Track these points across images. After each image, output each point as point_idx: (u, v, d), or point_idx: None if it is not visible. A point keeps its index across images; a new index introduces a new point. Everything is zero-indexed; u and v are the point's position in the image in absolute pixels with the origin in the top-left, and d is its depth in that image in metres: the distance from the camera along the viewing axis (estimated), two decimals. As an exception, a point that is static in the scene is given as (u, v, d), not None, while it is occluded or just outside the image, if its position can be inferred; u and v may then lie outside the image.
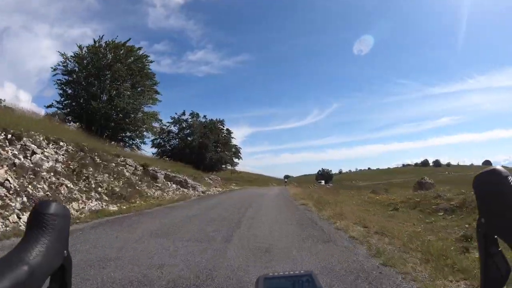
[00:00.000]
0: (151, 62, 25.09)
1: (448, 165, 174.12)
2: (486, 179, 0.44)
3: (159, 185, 12.96)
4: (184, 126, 38.56)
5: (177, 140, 38.34)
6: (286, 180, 68.11)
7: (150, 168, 13.60)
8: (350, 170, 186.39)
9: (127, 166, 11.70)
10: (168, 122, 37.89)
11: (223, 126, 41.96)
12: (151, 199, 10.26)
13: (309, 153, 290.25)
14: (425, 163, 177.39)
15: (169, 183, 14.26)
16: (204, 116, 40.84)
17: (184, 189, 14.69)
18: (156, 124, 25.81)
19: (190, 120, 38.99)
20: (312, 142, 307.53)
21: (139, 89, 23.85)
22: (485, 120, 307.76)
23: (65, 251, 0.43)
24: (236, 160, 43.19)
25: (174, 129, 38.45)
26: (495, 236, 0.44)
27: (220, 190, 21.62)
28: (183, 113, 38.91)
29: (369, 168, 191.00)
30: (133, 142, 24.96)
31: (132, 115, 22.81)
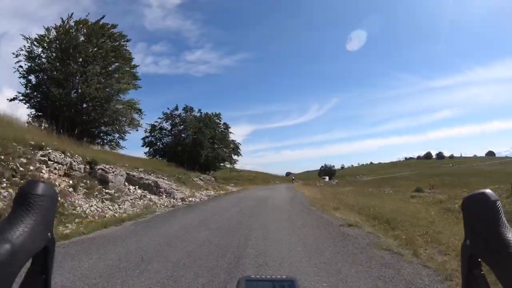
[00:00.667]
0: (128, 41, 20.67)
1: (451, 157, 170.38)
2: (475, 202, 0.44)
3: (111, 191, 8.65)
4: (177, 121, 34.18)
5: (170, 137, 34.00)
6: (293, 177, 65.58)
7: (98, 167, 9.17)
8: (352, 165, 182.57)
9: (49, 163, 7.41)
10: (160, 118, 33.61)
11: (220, 120, 37.62)
12: (77, 218, 5.95)
13: (310, 149, 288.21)
14: (428, 155, 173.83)
15: (131, 188, 9.92)
16: (199, 110, 36.52)
17: (153, 196, 10.12)
18: (136, 116, 21.21)
19: (183, 114, 34.64)
20: (312, 138, 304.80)
21: (116, 74, 19.58)
22: (485, 112, 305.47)
23: (49, 233, 0.42)
24: (235, 157, 38.77)
25: (167, 125, 34.09)
26: (479, 259, 0.44)
27: (212, 193, 16.78)
28: (176, 108, 34.55)
29: (371, 163, 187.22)
30: (111, 138, 20.73)
31: (106, 105, 18.47)
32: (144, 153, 32.20)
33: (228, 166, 38.50)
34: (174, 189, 11.07)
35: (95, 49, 19.32)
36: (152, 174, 12.20)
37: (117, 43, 20.49)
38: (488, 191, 0.44)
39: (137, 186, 10.01)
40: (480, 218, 0.43)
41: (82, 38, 19.62)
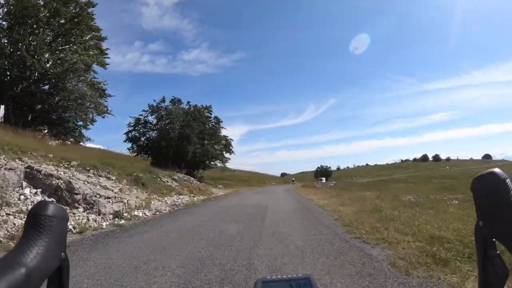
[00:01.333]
0: (94, 5, 16.46)
1: (448, 159, 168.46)
2: (485, 182, 0.44)
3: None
4: (163, 114, 30.11)
5: (155, 132, 29.92)
6: (293, 179, 63.15)
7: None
8: (348, 167, 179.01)
9: None
10: (145, 111, 29.57)
11: (211, 114, 33.63)
12: None
13: (306, 150, 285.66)
14: (424, 158, 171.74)
15: (28, 193, 5.87)
16: (188, 103, 32.53)
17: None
18: (102, 101, 16.93)
19: (170, 107, 30.58)
20: (308, 138, 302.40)
21: (74, 47, 15.44)
22: (480, 115, 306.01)
23: (62, 253, 0.43)
24: (227, 154, 34.77)
25: (152, 119, 30.00)
26: (493, 239, 0.44)
27: (185, 201, 12.40)
28: (163, 100, 30.49)
29: (367, 164, 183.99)
30: (73, 126, 16.57)
31: (60, 83, 14.32)
32: (128, 149, 28.28)
33: (219, 164, 34.47)
34: (110, 196, 6.58)
35: (52, 13, 15.27)
36: (91, 171, 8.25)
37: (79, 9, 16.32)
38: (497, 170, 0.44)
39: (40, 190, 6.01)
40: (492, 198, 0.43)
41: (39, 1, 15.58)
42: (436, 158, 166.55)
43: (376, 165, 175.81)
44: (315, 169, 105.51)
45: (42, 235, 0.39)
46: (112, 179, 8.68)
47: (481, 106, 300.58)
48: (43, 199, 5.54)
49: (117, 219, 6.21)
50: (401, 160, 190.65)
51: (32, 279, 0.35)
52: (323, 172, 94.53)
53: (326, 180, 66.60)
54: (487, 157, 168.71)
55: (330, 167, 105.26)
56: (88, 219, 5.73)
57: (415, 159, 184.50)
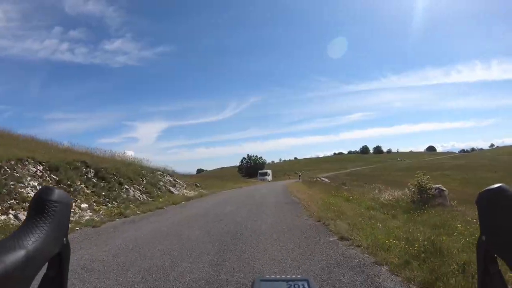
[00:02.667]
0: None
1: (389, 151, 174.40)
2: (491, 196, 0.43)
3: None
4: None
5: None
6: (300, 174, 56.61)
7: None
8: (273, 161, 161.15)
9: None
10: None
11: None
12: None
13: (225, 147, 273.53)
14: (365, 150, 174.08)
15: None
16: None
17: None
18: None
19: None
20: (228, 136, 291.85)
21: None
22: (395, 116, 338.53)
23: (64, 239, 0.43)
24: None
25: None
26: (495, 255, 0.43)
27: None
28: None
29: (295, 158, 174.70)
30: None
31: None
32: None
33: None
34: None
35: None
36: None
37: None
38: (503, 185, 0.43)
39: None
40: (496, 213, 0.42)
41: None
42: (378, 150, 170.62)
43: (305, 158, 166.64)
44: (233, 165, 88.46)
45: (45, 220, 0.39)
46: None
47: (396, 108, 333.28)
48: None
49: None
50: (334, 153, 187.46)
51: (31, 262, 0.35)
52: (252, 167, 76.01)
53: (265, 175, 58.21)
54: (431, 148, 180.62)
55: (264, 160, 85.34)
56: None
57: (350, 152, 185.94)
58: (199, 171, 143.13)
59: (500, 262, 0.43)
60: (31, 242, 0.36)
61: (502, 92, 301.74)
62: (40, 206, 0.40)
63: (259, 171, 64.16)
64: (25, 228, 0.38)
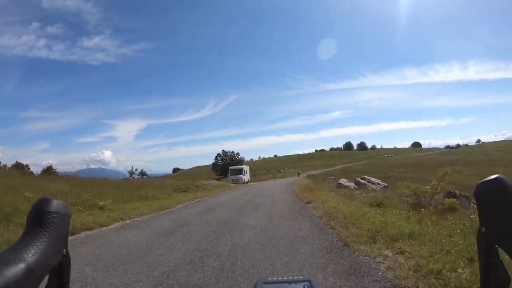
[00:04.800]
0: None
1: (373, 148, 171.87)
2: (489, 187, 0.43)
3: None
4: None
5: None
6: (299, 172, 50.60)
7: None
8: (252, 159, 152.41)
9: None
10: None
11: None
12: None
13: (204, 145, 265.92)
14: (348, 147, 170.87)
15: None
16: None
17: None
18: None
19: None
20: (208, 134, 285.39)
21: None
22: (373, 115, 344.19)
23: (64, 250, 0.43)
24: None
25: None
26: (496, 246, 0.43)
27: None
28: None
29: (275, 156, 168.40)
30: None
31: None
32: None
33: None
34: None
35: None
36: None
37: None
38: (501, 176, 0.43)
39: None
40: (495, 204, 0.42)
41: None
42: (362, 146, 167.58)
43: (285, 155, 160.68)
44: (210, 163, 76.45)
45: (44, 231, 0.39)
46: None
47: (374, 106, 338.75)
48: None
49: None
50: (316, 150, 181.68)
51: (32, 275, 0.35)
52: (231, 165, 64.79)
53: (238, 173, 39.82)
54: (416, 144, 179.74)
55: (241, 157, 72.24)
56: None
57: (332, 149, 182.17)
58: (175, 170, 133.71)
59: (501, 253, 0.43)
60: (31, 254, 0.36)
61: (478, 92, 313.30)
62: (38, 218, 0.40)
63: (230, 167, 44.55)
64: (25, 240, 0.37)
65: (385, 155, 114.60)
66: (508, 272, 0.43)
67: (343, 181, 20.19)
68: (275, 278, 0.58)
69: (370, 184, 18.44)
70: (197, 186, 20.85)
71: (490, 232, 0.43)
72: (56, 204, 0.42)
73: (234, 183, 34.57)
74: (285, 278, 0.58)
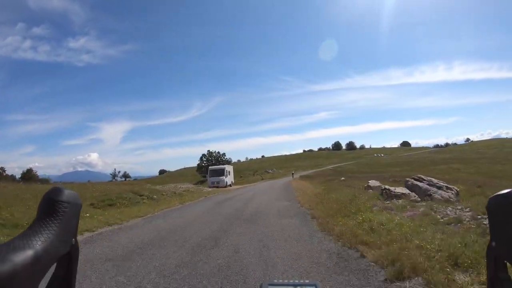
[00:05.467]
0: None
1: (362, 147, 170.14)
2: (502, 201, 0.42)
3: None
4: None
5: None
6: (293, 172, 48.78)
7: None
8: (239, 160, 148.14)
9: None
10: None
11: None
12: None
13: (191, 147, 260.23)
14: (337, 146, 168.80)
15: None
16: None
17: None
18: None
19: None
20: (194, 136, 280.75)
21: None
22: (359, 115, 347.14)
23: (73, 239, 0.43)
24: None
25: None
26: (505, 261, 0.42)
27: None
28: None
29: (263, 156, 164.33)
30: None
31: None
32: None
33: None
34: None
35: None
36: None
37: None
38: None
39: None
40: (507, 219, 0.41)
41: None
42: (351, 146, 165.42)
43: (273, 156, 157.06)
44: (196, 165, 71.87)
45: (54, 220, 0.39)
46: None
47: (360, 107, 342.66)
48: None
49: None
50: (303, 150, 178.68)
51: (40, 263, 0.35)
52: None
53: (221, 174, 34.02)
54: (406, 144, 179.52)
55: (226, 157, 68.17)
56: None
57: (320, 149, 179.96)
58: (162, 172, 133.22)
59: (510, 269, 0.43)
60: (40, 242, 0.36)
61: (463, 92, 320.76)
62: (49, 207, 0.40)
63: (210, 167, 37.98)
64: (34, 228, 0.38)
65: (375, 155, 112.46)
66: None
67: (374, 183, 14.45)
68: (281, 281, 0.56)
69: (434, 189, 10.45)
70: (147, 195, 15.04)
71: (500, 247, 0.42)
72: (67, 193, 0.42)
73: (214, 187, 29.23)
74: (291, 281, 0.56)
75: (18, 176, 46.18)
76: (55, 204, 0.40)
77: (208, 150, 65.90)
